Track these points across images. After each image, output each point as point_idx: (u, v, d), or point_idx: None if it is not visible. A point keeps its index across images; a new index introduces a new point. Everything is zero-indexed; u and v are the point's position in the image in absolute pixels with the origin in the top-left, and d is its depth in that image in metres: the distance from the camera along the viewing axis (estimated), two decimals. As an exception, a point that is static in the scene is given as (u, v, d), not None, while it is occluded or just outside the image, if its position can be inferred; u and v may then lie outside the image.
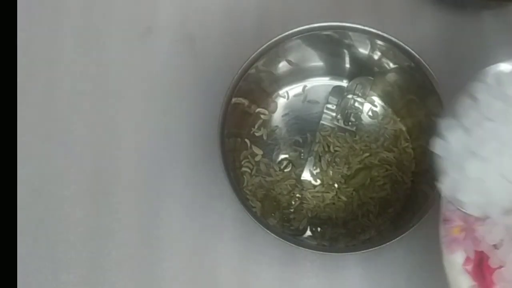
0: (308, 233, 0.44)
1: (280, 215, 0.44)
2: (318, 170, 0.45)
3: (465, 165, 0.34)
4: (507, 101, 0.34)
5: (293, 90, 0.47)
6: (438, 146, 0.35)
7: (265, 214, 0.44)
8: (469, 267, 0.34)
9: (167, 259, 0.44)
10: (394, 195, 0.44)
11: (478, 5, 0.49)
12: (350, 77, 0.46)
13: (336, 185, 0.44)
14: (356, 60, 0.45)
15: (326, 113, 0.46)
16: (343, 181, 0.45)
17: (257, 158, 0.45)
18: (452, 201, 0.35)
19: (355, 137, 0.45)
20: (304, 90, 0.46)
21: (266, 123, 0.46)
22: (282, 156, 0.45)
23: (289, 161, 0.45)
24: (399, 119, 0.46)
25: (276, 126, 0.46)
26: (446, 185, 0.34)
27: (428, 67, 0.42)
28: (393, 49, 0.43)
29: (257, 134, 0.46)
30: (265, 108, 0.46)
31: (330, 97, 0.46)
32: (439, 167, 0.35)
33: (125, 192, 0.45)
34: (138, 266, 0.44)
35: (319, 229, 0.44)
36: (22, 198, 0.45)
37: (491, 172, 0.33)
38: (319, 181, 0.45)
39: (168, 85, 0.47)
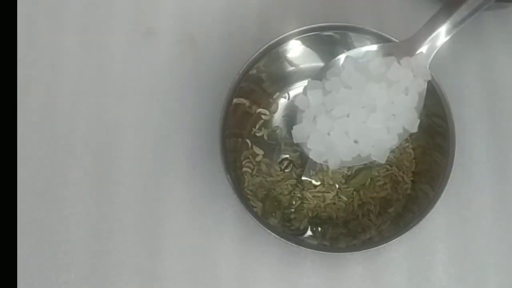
0: (309, 232, 0.44)
1: (281, 215, 0.44)
2: (318, 170, 0.45)
3: (317, 119, 0.39)
4: (367, 74, 0.39)
5: (294, 90, 0.47)
6: (300, 100, 0.41)
7: (266, 214, 0.44)
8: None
9: (168, 259, 0.44)
10: (395, 195, 0.44)
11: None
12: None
13: (336, 185, 0.45)
14: (357, 60, 0.45)
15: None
16: (343, 181, 0.45)
17: (258, 158, 0.45)
18: (301, 146, 0.41)
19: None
20: (305, 90, 0.47)
21: (267, 124, 0.46)
22: (283, 156, 0.45)
23: (290, 161, 0.45)
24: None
25: (277, 126, 0.46)
26: (298, 133, 0.40)
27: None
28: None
29: (258, 135, 0.46)
30: (266, 109, 0.46)
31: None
32: (297, 118, 0.41)
33: (126, 192, 0.45)
34: (139, 266, 0.44)
35: (319, 228, 0.44)
36: (22, 198, 0.45)
37: (337, 129, 0.39)
38: (319, 181, 0.45)
39: (169, 85, 0.47)
